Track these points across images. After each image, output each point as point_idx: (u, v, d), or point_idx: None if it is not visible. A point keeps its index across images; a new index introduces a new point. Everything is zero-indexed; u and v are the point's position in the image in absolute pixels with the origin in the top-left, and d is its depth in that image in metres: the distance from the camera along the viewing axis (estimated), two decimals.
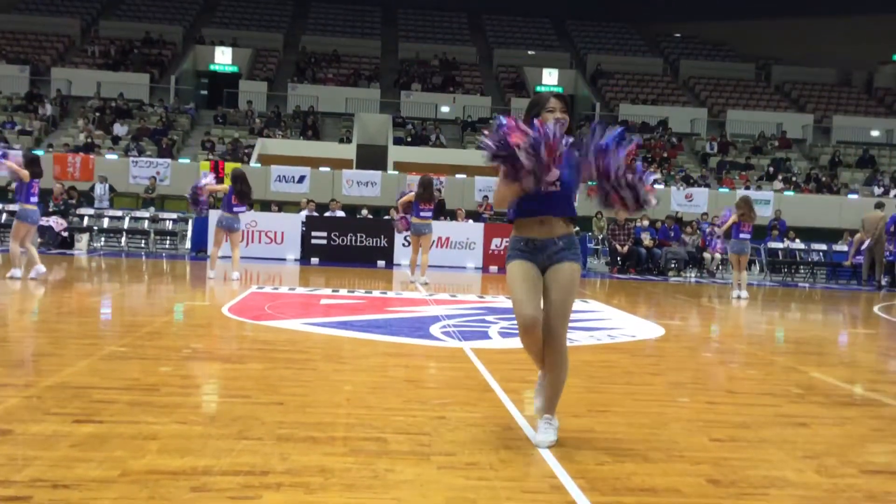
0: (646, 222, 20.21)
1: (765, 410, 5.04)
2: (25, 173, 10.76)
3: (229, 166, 16.09)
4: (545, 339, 3.96)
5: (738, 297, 13.13)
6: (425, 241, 13.13)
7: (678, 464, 3.73)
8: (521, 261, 3.99)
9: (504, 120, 3.71)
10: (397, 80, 33.76)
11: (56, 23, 35.17)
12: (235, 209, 12.23)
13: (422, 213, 12.97)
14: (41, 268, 10.96)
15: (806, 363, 7.10)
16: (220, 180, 12.31)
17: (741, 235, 13.28)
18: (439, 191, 21.51)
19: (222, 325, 7.83)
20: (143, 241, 19.67)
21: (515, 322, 3.97)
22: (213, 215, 17.43)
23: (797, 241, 21.30)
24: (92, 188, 21.13)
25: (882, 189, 26.75)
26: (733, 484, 3.48)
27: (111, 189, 21.22)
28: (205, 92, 34.78)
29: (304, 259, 17.73)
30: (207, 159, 23.07)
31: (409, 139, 28.36)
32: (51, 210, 18.45)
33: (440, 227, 18.65)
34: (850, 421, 4.85)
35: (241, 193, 12.22)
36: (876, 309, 13.10)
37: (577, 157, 3.94)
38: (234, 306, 8.99)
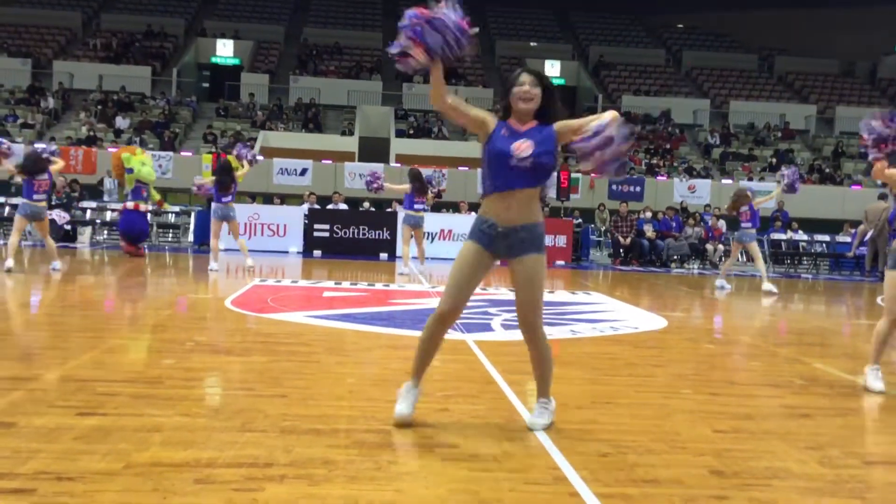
0: (648, 214, 20.20)
1: (768, 402, 5.04)
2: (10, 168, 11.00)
3: (231, 159, 16.11)
4: (525, 335, 4.03)
5: (722, 288, 13.24)
6: (419, 232, 13.36)
7: (681, 455, 3.74)
8: (475, 245, 3.95)
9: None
10: (399, 72, 33.68)
11: (57, 16, 35.14)
12: (223, 199, 12.53)
13: (416, 206, 13.17)
14: (56, 264, 11.04)
15: (809, 354, 7.10)
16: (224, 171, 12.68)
17: (742, 225, 13.26)
18: (429, 182, 21.59)
19: (225, 317, 7.84)
20: None
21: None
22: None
23: (800, 232, 21.28)
24: (100, 182, 21.16)
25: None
26: (736, 475, 3.48)
27: (119, 183, 21.24)
28: (206, 84, 34.77)
29: (306, 252, 17.74)
30: (210, 152, 23.05)
31: (411, 131, 28.33)
32: (53, 203, 18.46)
33: (443, 220, 18.69)
34: (853, 412, 4.85)
35: (220, 183, 12.53)
36: (879, 300, 13.08)
37: (554, 140, 3.89)
38: (236, 299, 9.00)
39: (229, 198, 12.60)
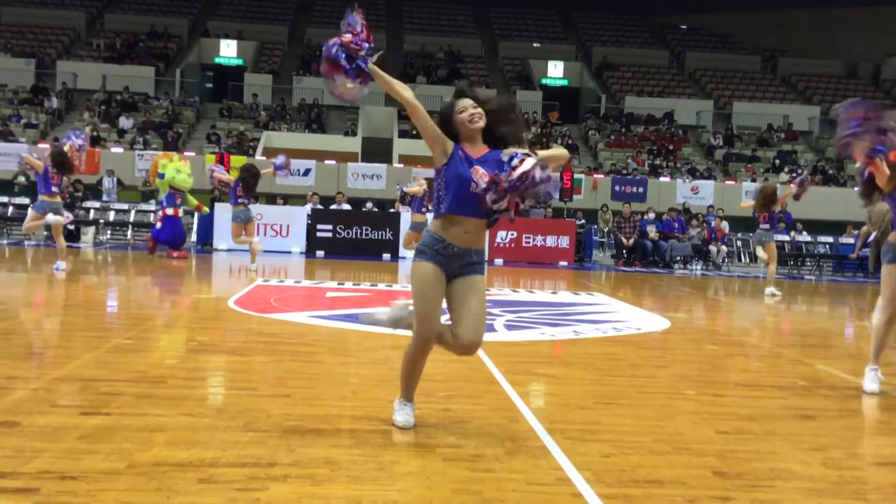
0: (651, 215, 20.18)
1: (771, 403, 5.03)
2: (39, 164, 10.91)
3: (235, 159, 16.19)
4: (466, 354, 4.01)
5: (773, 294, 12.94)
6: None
7: (684, 456, 3.73)
8: (432, 266, 3.86)
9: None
10: (402, 72, 33.71)
11: (61, 16, 35.18)
12: (240, 200, 12.50)
13: (423, 210, 13.41)
14: (61, 264, 10.96)
15: (812, 356, 7.09)
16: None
17: (761, 226, 13.23)
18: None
19: (228, 317, 7.84)
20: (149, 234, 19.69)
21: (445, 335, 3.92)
22: (218, 208, 17.51)
23: (803, 233, 21.25)
24: (99, 181, 21.19)
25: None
26: (739, 476, 3.48)
27: (119, 182, 21.28)
28: (210, 85, 34.79)
29: (309, 252, 17.74)
30: (213, 152, 23.06)
31: (414, 132, 28.32)
32: None
33: None
34: (856, 413, 4.84)
35: (245, 184, 12.55)
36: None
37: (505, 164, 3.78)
38: (239, 299, 9.01)
39: (248, 200, 12.66)
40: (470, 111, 3.90)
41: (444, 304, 3.92)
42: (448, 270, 3.89)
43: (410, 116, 3.98)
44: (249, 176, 12.58)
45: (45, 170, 10.87)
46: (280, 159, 13.38)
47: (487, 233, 4.07)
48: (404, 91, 3.95)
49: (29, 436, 3.55)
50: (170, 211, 15.05)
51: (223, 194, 15.69)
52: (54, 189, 11.06)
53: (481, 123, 3.91)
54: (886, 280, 5.46)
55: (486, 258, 3.99)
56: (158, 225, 15.46)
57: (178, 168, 15.09)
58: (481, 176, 3.71)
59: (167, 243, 15.20)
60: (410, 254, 14.20)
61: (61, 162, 10.96)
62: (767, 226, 13.06)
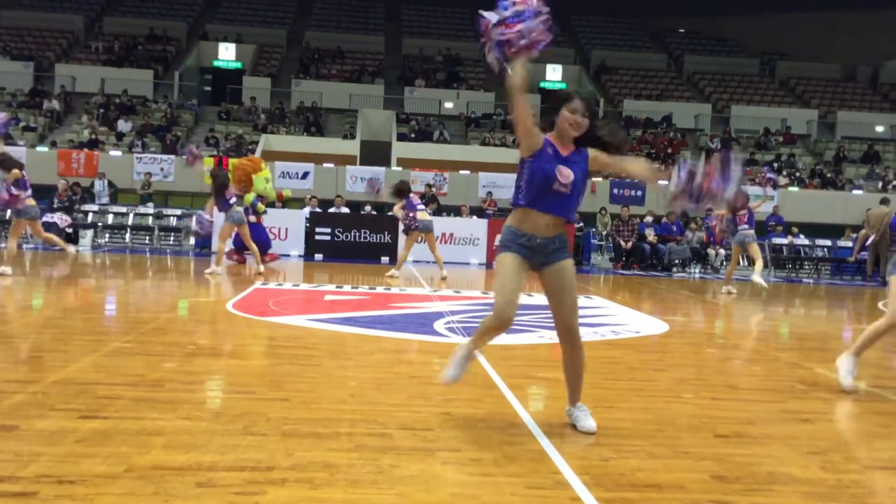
0: (650, 218, 20.20)
1: (769, 406, 5.03)
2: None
3: (233, 163, 16.17)
4: (567, 339, 4.11)
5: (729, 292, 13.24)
6: (429, 237, 13.41)
7: (683, 460, 3.73)
8: (517, 256, 4.03)
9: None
10: (401, 75, 33.74)
11: (60, 19, 35.21)
12: (231, 202, 12.76)
13: (418, 208, 13.37)
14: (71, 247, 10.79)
15: (810, 359, 7.09)
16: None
17: (740, 228, 13.26)
18: (429, 186, 21.69)
19: (227, 321, 7.84)
20: (147, 238, 19.70)
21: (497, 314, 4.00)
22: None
23: (801, 237, 21.27)
24: (92, 184, 21.17)
25: (881, 184, 26.69)
26: (738, 480, 3.48)
27: (110, 185, 21.27)
28: (208, 88, 34.81)
29: (307, 255, 17.75)
30: (211, 156, 23.07)
31: (412, 135, 28.34)
32: (55, 206, 18.49)
33: (444, 223, 18.68)
34: (854, 417, 4.84)
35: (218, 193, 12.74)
36: (880, 305, 13.07)
37: (587, 166, 4.04)
38: (238, 302, 9.00)
39: (234, 200, 12.68)
40: (578, 117, 3.96)
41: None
42: (534, 260, 4.05)
43: (514, 101, 3.89)
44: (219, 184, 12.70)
45: None
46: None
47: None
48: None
49: (27, 439, 3.54)
50: (252, 218, 15.07)
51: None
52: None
53: (578, 133, 3.99)
54: (894, 292, 5.51)
55: (567, 242, 4.21)
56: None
57: (267, 177, 15.06)
58: (568, 175, 3.91)
59: (259, 248, 15.25)
60: (412, 257, 14.24)
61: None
62: (747, 226, 13.10)
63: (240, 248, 15.04)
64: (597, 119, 4.06)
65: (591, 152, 4.08)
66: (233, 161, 15.47)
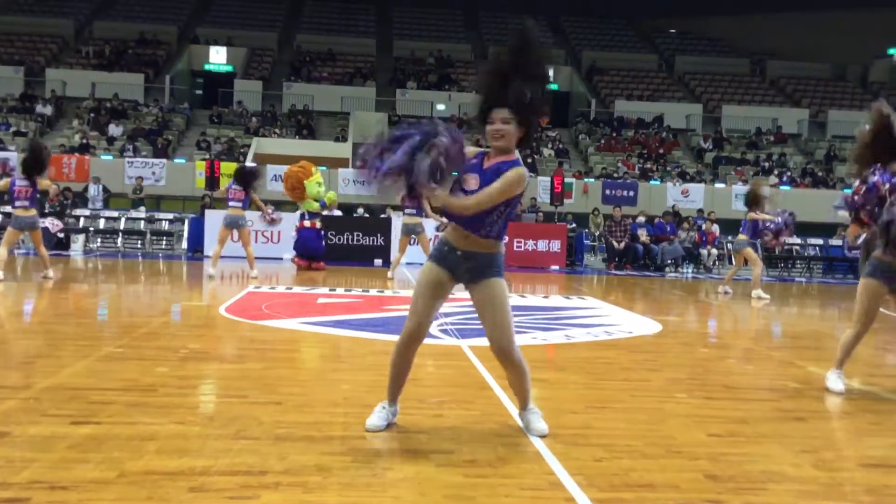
0: (642, 219, 20.24)
1: (762, 405, 5.04)
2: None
3: (225, 166, 16.13)
4: (498, 358, 3.99)
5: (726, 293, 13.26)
6: (422, 241, 13.19)
7: (676, 459, 3.74)
8: (436, 266, 3.94)
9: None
10: (392, 78, 33.74)
11: (50, 23, 35.09)
12: (232, 204, 12.59)
13: (406, 210, 13.16)
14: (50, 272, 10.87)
15: (803, 358, 7.11)
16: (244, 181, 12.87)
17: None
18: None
19: (219, 325, 7.82)
20: (139, 242, 19.65)
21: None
22: (209, 215, 17.47)
23: (793, 236, 21.31)
24: (85, 189, 21.11)
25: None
26: (731, 479, 3.48)
27: (105, 190, 21.21)
28: (200, 91, 34.73)
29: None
30: (203, 159, 23.03)
31: None
32: (46, 211, 18.43)
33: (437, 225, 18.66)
34: (847, 415, 4.86)
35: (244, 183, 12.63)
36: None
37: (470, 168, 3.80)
38: (231, 306, 8.98)
39: (240, 204, 12.57)
40: (497, 126, 3.78)
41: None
42: (455, 272, 3.92)
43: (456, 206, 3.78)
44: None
45: None
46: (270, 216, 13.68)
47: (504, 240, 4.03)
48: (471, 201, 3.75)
49: (19, 446, 3.53)
50: (307, 223, 15.09)
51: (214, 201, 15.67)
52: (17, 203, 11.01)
53: (500, 143, 3.80)
54: (862, 293, 5.47)
55: (499, 261, 3.98)
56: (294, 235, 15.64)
57: (319, 182, 14.99)
58: (470, 184, 3.76)
59: (302, 254, 15.25)
60: (405, 260, 14.26)
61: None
62: (742, 231, 13.09)
63: (301, 254, 15.17)
64: (533, 110, 3.76)
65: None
66: (285, 171, 15.38)
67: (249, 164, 13.79)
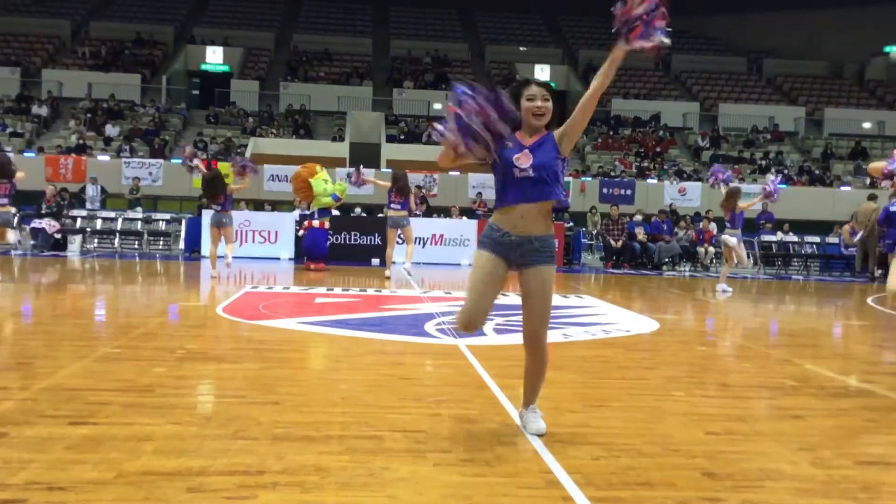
0: (639, 217, 20.25)
1: (760, 403, 5.05)
2: None
3: (222, 166, 16.15)
4: (528, 344, 4.01)
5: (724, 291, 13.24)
6: (405, 232, 13.53)
7: (673, 457, 3.74)
8: (489, 254, 3.94)
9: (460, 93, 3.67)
10: (389, 77, 33.72)
11: (46, 24, 35.02)
12: (214, 206, 12.77)
13: (392, 206, 13.43)
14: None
15: (800, 355, 7.12)
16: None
17: (727, 226, 13.30)
18: (419, 187, 21.63)
19: (217, 325, 7.82)
20: (136, 242, 19.63)
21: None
22: (205, 214, 17.46)
23: (790, 233, 21.36)
24: (83, 189, 21.08)
25: (869, 180, 26.83)
26: (729, 477, 3.49)
27: (103, 190, 21.19)
28: (196, 92, 34.70)
29: (297, 258, 17.70)
30: (200, 160, 23.01)
31: (402, 137, 28.33)
32: (43, 212, 18.41)
33: (435, 225, 18.68)
34: (844, 413, 4.86)
35: (211, 191, 12.67)
36: (869, 300, 13.14)
37: (556, 148, 3.88)
38: (228, 306, 8.98)
39: (221, 206, 12.59)
40: (538, 103, 3.87)
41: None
42: (509, 257, 3.90)
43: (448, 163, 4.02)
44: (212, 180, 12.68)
45: None
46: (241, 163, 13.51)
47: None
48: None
49: (16, 447, 3.52)
50: (316, 223, 15.11)
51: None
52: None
53: (543, 122, 3.90)
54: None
55: (553, 246, 3.95)
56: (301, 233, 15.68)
57: (325, 179, 14.97)
58: (524, 160, 3.78)
59: (307, 254, 15.31)
60: (399, 258, 14.31)
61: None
62: (729, 225, 13.14)
63: (311, 254, 15.23)
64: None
65: (556, 132, 3.93)
66: (291, 175, 15.53)
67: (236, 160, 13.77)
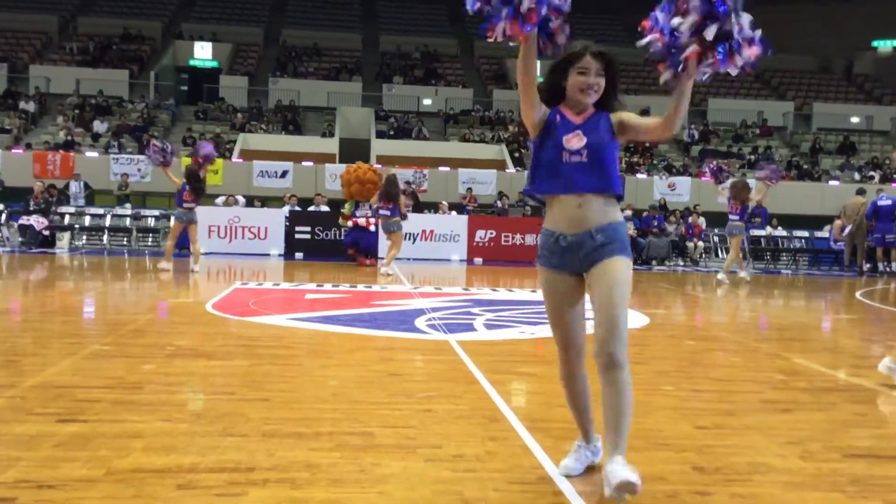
0: (629, 212, 20.28)
1: (748, 397, 5.07)
2: None
3: (342, 177, 16.49)
4: (599, 367, 3.21)
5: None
6: (391, 237, 14.04)
7: (663, 452, 3.75)
8: (548, 271, 3.30)
9: None
10: (379, 73, 33.67)
11: (33, 20, 34.78)
12: (185, 205, 12.80)
13: (381, 211, 13.88)
14: None
15: (789, 349, 7.15)
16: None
17: (731, 218, 13.37)
18: (409, 183, 21.62)
19: (206, 321, 7.79)
20: (125, 239, 19.56)
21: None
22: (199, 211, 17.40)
23: (779, 228, 21.44)
24: (66, 186, 20.95)
25: (857, 175, 26.95)
26: (718, 471, 3.50)
27: (86, 186, 21.07)
28: (185, 87, 34.57)
29: (287, 254, 17.68)
30: (189, 155, 22.92)
31: (391, 132, 28.30)
32: (31, 209, 18.32)
33: (424, 220, 18.66)
34: (833, 406, 4.89)
35: (196, 190, 12.76)
36: (858, 295, 13.21)
37: (611, 130, 3.27)
38: (218, 303, 8.96)
39: (193, 204, 12.79)
40: (591, 79, 3.23)
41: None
42: (571, 265, 3.26)
43: (524, 94, 3.31)
44: (196, 181, 12.74)
45: None
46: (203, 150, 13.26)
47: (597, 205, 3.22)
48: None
49: (5, 444, 3.51)
50: (361, 221, 15.63)
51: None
52: None
53: (592, 98, 3.27)
54: None
55: (622, 233, 3.25)
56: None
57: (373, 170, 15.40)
58: (575, 142, 3.19)
59: (353, 247, 15.91)
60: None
61: None
62: (737, 217, 13.21)
63: (359, 249, 15.66)
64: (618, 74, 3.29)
65: (616, 115, 3.31)
66: (342, 176, 16.23)
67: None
